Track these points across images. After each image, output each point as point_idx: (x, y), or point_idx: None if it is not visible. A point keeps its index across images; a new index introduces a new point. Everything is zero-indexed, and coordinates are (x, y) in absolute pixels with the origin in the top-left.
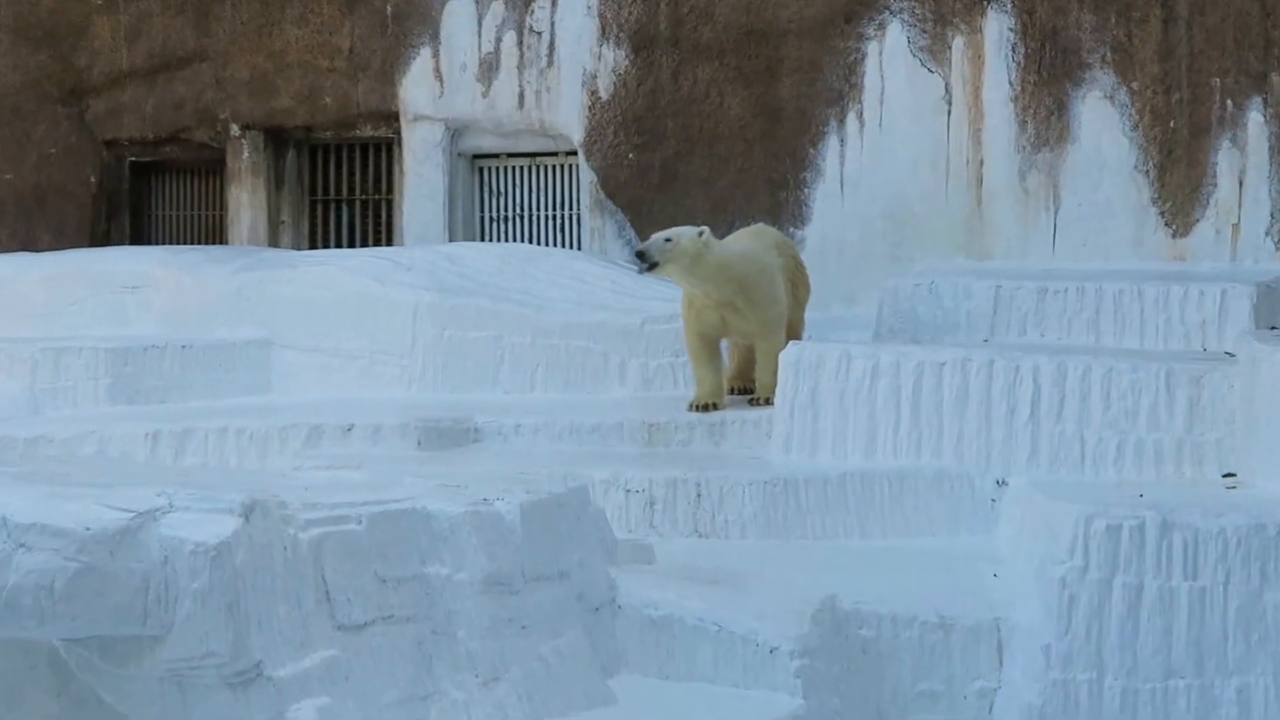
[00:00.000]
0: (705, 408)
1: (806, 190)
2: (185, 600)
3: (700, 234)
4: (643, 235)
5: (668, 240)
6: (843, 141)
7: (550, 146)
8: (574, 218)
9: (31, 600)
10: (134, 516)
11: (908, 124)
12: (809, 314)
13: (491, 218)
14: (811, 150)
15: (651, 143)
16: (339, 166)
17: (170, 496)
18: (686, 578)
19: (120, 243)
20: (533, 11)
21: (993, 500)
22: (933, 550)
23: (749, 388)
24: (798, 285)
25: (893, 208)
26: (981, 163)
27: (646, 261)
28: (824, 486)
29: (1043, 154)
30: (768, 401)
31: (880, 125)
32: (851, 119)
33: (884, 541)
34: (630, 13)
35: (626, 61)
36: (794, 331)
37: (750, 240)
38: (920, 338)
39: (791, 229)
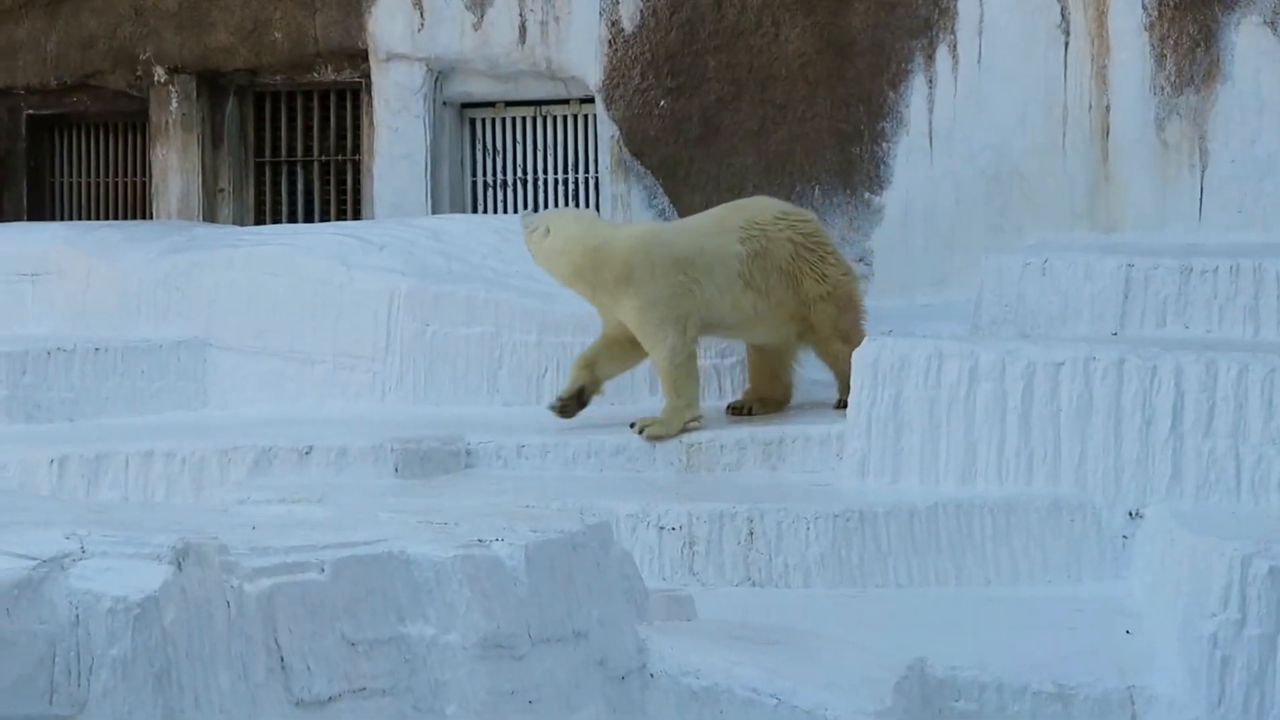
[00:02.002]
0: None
1: (885, 145)
2: (102, 670)
3: (522, 219)
4: (677, 202)
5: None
6: (931, 83)
7: (560, 92)
8: (591, 182)
9: None
10: (36, 565)
11: (1014, 60)
12: (888, 302)
13: (486, 183)
14: (891, 94)
15: (688, 86)
16: (292, 120)
17: (82, 539)
18: (736, 638)
19: (15, 218)
20: None
21: (1124, 537)
22: (1048, 600)
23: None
24: (800, 276)
25: (995, 166)
26: (1108, 108)
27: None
28: (910, 521)
29: (1185, 96)
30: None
31: (979, 62)
32: (942, 54)
33: (986, 590)
34: None
35: None
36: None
37: (702, 220)
38: (1031, 331)
39: (867, 193)
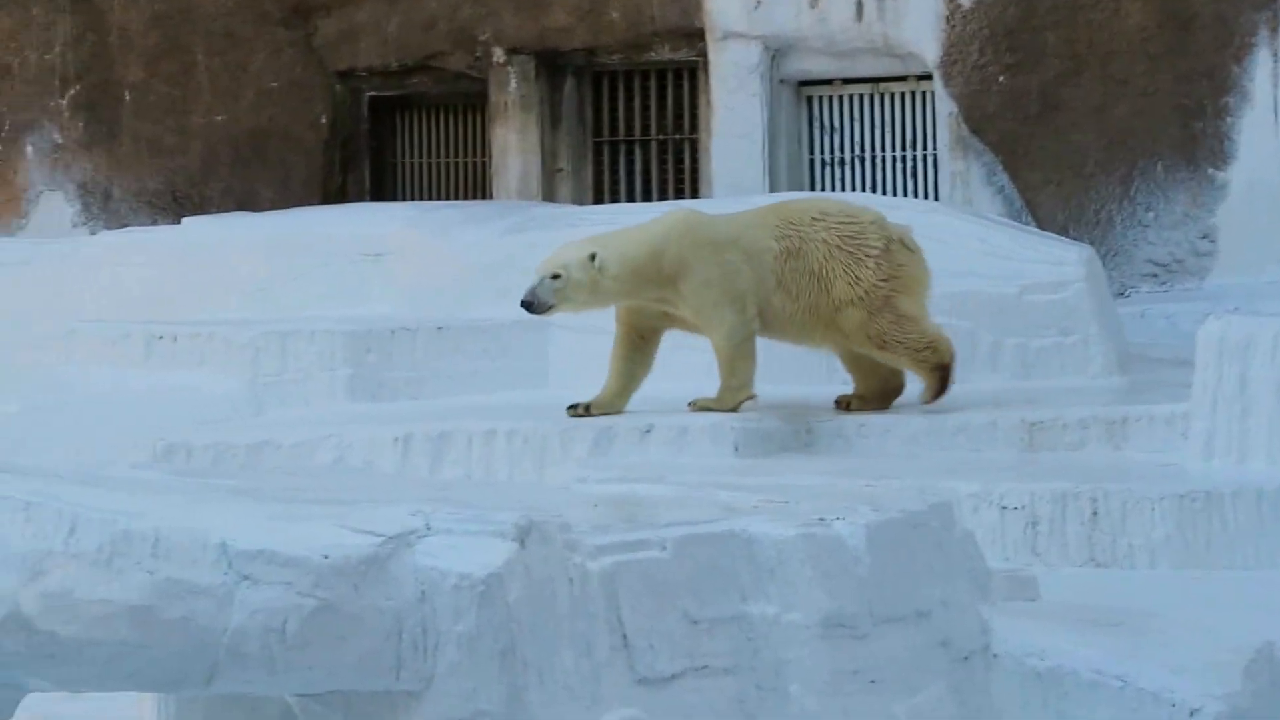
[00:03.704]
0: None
1: (1229, 120)
2: (448, 646)
3: (592, 257)
4: (1016, 179)
5: (555, 277)
6: (1276, 56)
7: (898, 69)
8: (929, 159)
9: (259, 646)
10: (383, 542)
11: None
12: (1233, 279)
13: (823, 160)
14: (1235, 68)
15: (1027, 62)
16: (629, 99)
17: (427, 517)
18: (1080, 619)
19: (358, 198)
20: None
21: None
22: None
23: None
24: (832, 279)
25: None
26: None
27: (537, 310)
28: (1258, 501)
29: None
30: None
31: None
32: None
33: None
34: None
35: None
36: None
37: (738, 213)
38: None
39: (1210, 169)
